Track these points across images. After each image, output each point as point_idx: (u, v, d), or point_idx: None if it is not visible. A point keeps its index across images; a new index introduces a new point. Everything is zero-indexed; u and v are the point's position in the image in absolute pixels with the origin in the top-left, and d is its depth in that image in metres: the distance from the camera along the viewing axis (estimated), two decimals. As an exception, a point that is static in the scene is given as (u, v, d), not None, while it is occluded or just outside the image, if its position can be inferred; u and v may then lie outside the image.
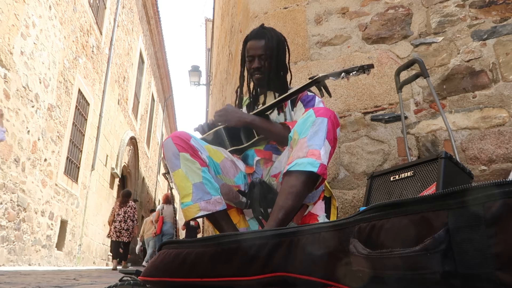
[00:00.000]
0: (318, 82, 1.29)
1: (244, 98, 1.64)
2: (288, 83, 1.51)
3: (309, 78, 1.31)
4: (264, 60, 1.42)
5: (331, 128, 1.10)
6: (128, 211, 7.28)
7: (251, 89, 1.53)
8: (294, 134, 1.13)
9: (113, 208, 7.56)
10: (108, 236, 7.45)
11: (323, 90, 1.32)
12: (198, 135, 1.51)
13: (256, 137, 1.38)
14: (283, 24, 2.72)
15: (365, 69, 1.27)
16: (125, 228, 7.24)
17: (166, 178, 1.33)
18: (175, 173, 1.19)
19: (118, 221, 7.18)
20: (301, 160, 1.05)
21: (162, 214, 8.06)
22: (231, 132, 1.39)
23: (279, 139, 1.34)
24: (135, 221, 7.39)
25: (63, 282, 2.28)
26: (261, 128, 1.35)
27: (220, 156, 1.28)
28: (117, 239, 7.25)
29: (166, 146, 1.21)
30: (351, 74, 1.27)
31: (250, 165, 1.36)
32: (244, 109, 1.56)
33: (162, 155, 1.27)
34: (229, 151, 1.38)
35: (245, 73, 1.54)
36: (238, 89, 1.56)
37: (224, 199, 1.22)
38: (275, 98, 1.43)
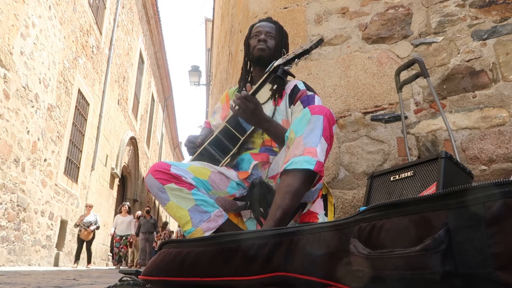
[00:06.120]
0: (276, 72, 1.27)
1: (233, 88, 1.63)
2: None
3: (265, 72, 1.29)
4: (271, 38, 1.46)
5: (327, 125, 1.09)
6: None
7: (245, 75, 1.51)
8: (290, 133, 1.13)
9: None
10: None
11: (288, 76, 1.30)
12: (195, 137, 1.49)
13: (241, 139, 1.37)
14: (283, 24, 2.69)
15: (316, 46, 1.26)
16: None
17: None
18: (167, 206, 1.18)
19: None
20: (297, 158, 1.05)
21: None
22: (217, 145, 1.37)
23: (281, 143, 1.31)
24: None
25: (63, 282, 2.28)
26: (273, 135, 1.31)
27: (206, 173, 1.25)
28: None
29: (149, 184, 1.19)
30: (304, 57, 1.27)
31: (244, 170, 1.34)
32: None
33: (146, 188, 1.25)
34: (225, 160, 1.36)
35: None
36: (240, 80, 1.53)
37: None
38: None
